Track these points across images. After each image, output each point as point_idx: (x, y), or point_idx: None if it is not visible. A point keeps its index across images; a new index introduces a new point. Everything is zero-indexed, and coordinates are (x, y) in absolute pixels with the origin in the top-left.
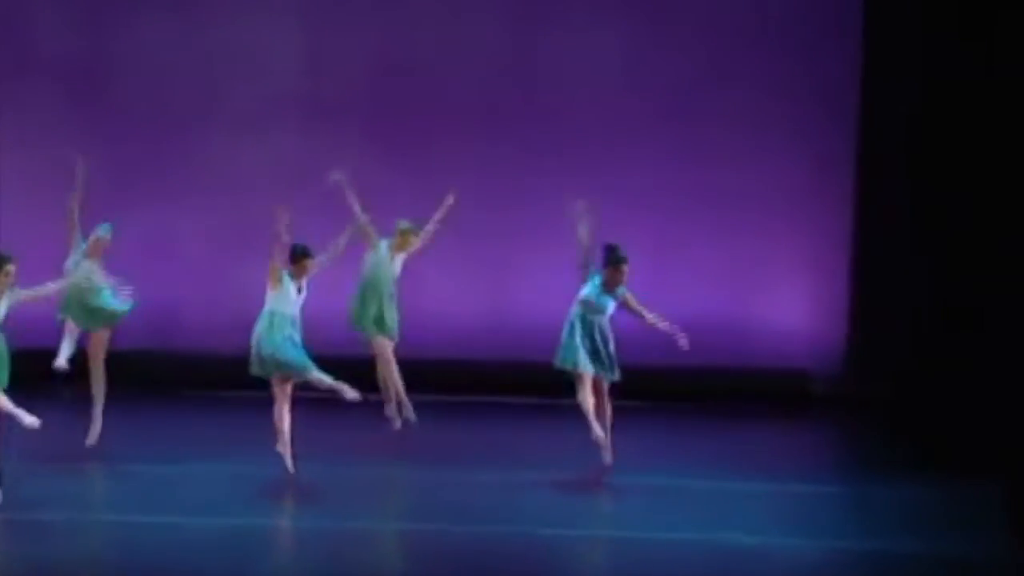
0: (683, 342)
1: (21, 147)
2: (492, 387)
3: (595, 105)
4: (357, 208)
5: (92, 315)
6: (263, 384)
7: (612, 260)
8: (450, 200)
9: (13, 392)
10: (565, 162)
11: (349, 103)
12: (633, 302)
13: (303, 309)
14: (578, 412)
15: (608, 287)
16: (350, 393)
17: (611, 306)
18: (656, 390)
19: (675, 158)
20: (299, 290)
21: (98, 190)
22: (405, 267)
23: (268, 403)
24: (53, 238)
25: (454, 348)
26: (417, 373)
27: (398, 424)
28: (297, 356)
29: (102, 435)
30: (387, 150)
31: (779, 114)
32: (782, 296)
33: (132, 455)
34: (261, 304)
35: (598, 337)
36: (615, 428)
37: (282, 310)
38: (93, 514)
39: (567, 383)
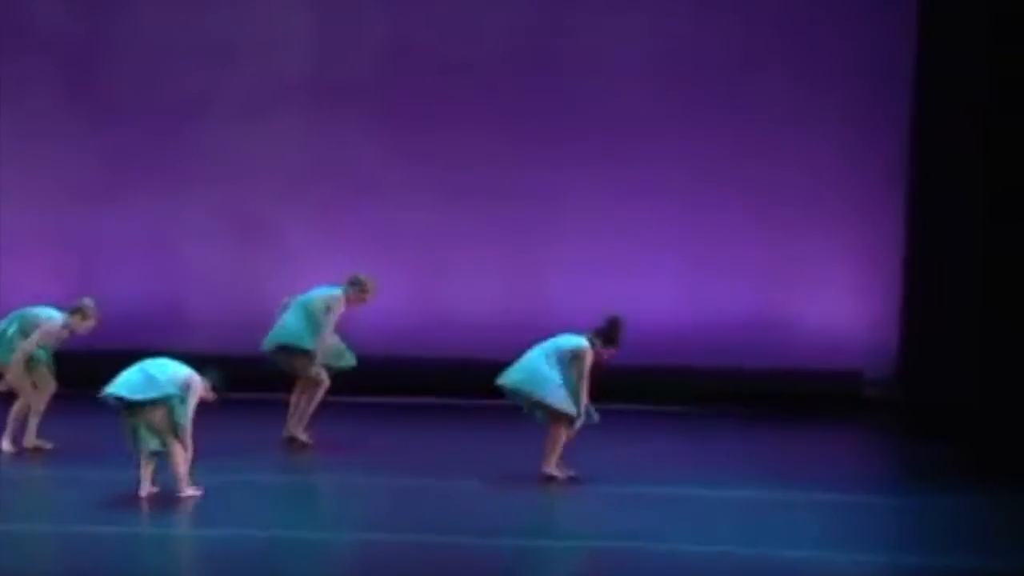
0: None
1: (16, 133)
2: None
3: (623, 92)
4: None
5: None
6: (273, 386)
7: (609, 338)
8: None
9: None
10: (590, 153)
11: (358, 89)
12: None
13: None
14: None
15: None
16: None
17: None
18: (695, 393)
19: (714, 148)
20: None
21: (95, 181)
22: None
23: (278, 406)
24: (48, 225)
25: (476, 347)
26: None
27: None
28: None
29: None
30: (398, 139)
31: (826, 101)
32: (830, 294)
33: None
34: (268, 301)
35: None
36: (641, 434)
37: None
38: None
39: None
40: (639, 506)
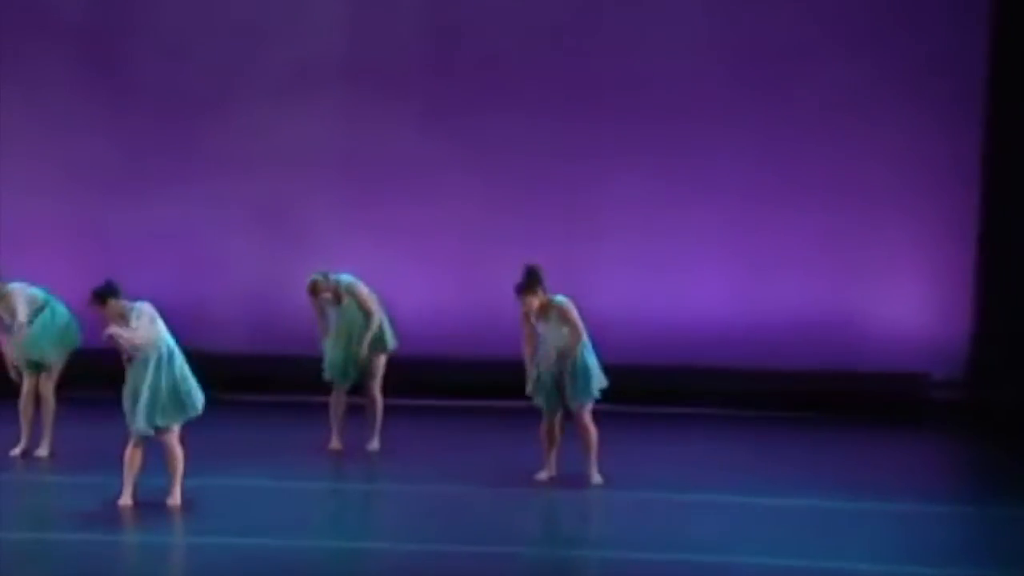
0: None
1: (32, 120)
2: None
3: (674, 77)
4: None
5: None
6: (295, 387)
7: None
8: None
9: None
10: (637, 141)
11: (394, 71)
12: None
13: None
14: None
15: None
16: None
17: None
18: (748, 396)
19: (769, 138)
20: None
21: (116, 169)
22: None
23: (298, 408)
24: (67, 216)
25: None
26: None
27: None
28: None
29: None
30: (436, 125)
31: (893, 90)
32: (893, 290)
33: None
34: (293, 299)
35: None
36: (688, 441)
37: None
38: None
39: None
40: (696, 516)
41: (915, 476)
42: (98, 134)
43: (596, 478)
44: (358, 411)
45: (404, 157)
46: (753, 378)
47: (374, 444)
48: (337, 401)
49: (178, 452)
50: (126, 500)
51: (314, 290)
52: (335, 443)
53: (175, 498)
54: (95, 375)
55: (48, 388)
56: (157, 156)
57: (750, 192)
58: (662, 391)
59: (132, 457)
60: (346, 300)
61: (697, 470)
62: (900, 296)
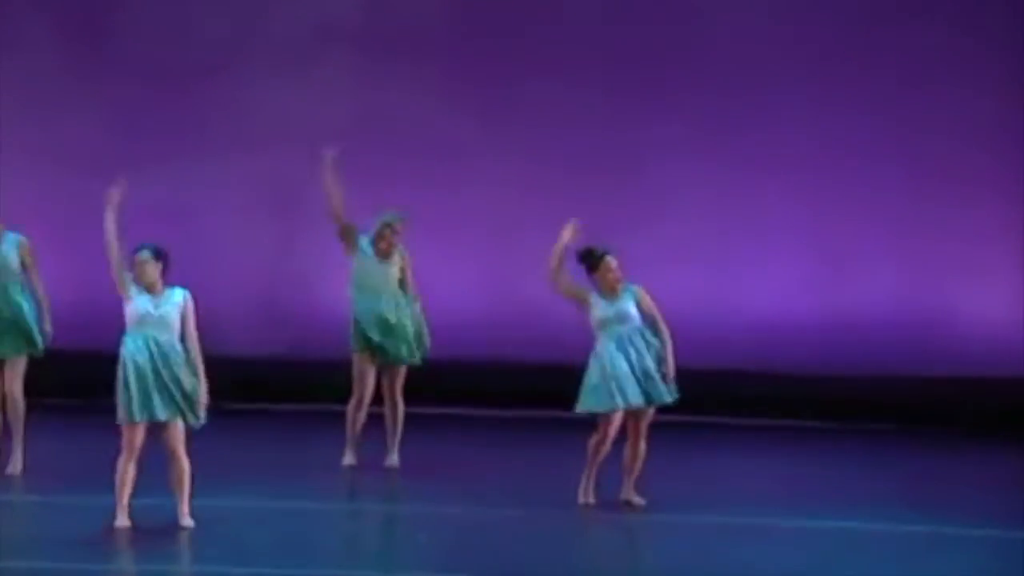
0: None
1: (12, 94)
2: None
3: (736, 41)
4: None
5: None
6: (307, 395)
7: (591, 263)
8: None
9: None
10: (694, 115)
11: (417, 36)
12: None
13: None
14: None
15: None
16: None
17: (630, 309)
18: (819, 404)
19: (845, 113)
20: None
21: (104, 147)
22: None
23: (310, 418)
24: (49, 199)
25: (553, 349)
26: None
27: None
28: None
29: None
30: (464, 96)
31: (989, 59)
32: (991, 287)
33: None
34: (304, 294)
35: (633, 355)
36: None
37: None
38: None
39: None
40: (766, 541)
41: (1011, 496)
42: (84, 109)
43: (639, 499)
44: (375, 421)
45: (426, 133)
46: (822, 384)
47: (393, 459)
48: (360, 402)
49: (187, 464)
50: (123, 521)
51: (393, 231)
52: (349, 458)
53: (187, 517)
54: (62, 380)
55: (16, 386)
56: (149, 133)
57: (823, 173)
58: (717, 399)
59: (125, 471)
60: (396, 262)
61: (759, 491)
62: (993, 291)
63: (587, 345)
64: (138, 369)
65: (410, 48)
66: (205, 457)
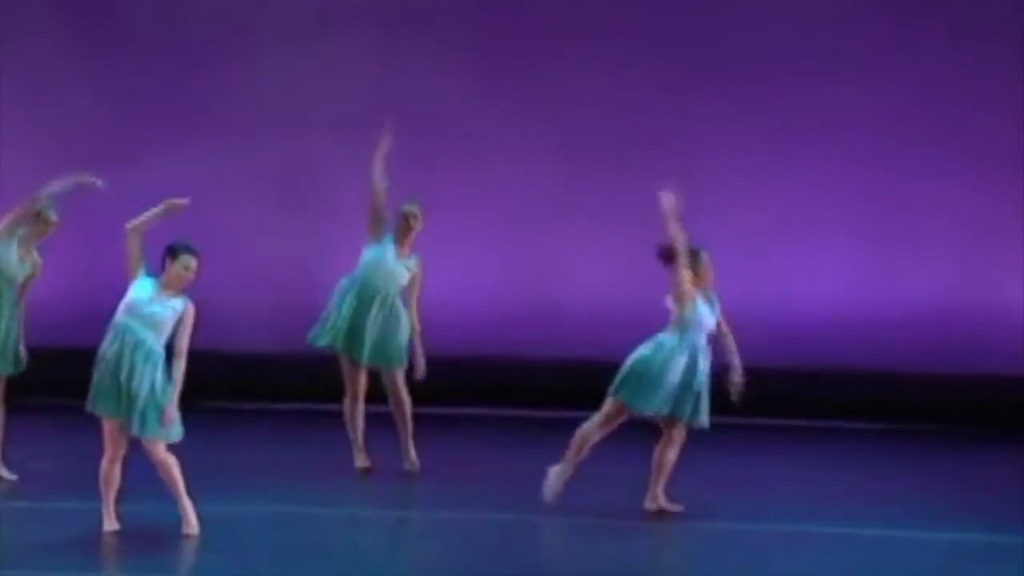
0: (735, 393)
1: (8, 77)
2: None
3: (785, 15)
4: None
5: None
6: (319, 394)
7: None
8: None
9: None
10: (741, 98)
11: (438, 10)
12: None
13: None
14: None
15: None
16: None
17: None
18: (872, 405)
19: (903, 90)
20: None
21: (104, 131)
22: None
23: (322, 418)
24: (39, 175)
25: (585, 346)
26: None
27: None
28: None
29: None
30: (488, 75)
31: None
32: None
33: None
34: (317, 285)
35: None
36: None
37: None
38: None
39: None
40: (805, 548)
41: None
42: (83, 87)
43: (674, 506)
44: (378, 421)
45: (450, 115)
46: (875, 383)
47: (412, 459)
48: (353, 400)
49: (169, 461)
50: (110, 525)
51: (416, 219)
52: (360, 460)
53: (188, 524)
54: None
55: None
56: (152, 113)
57: (877, 158)
58: (762, 399)
59: (107, 472)
60: (411, 267)
61: (803, 495)
62: None
63: (609, 341)
64: (102, 359)
65: (431, 25)
66: (210, 459)
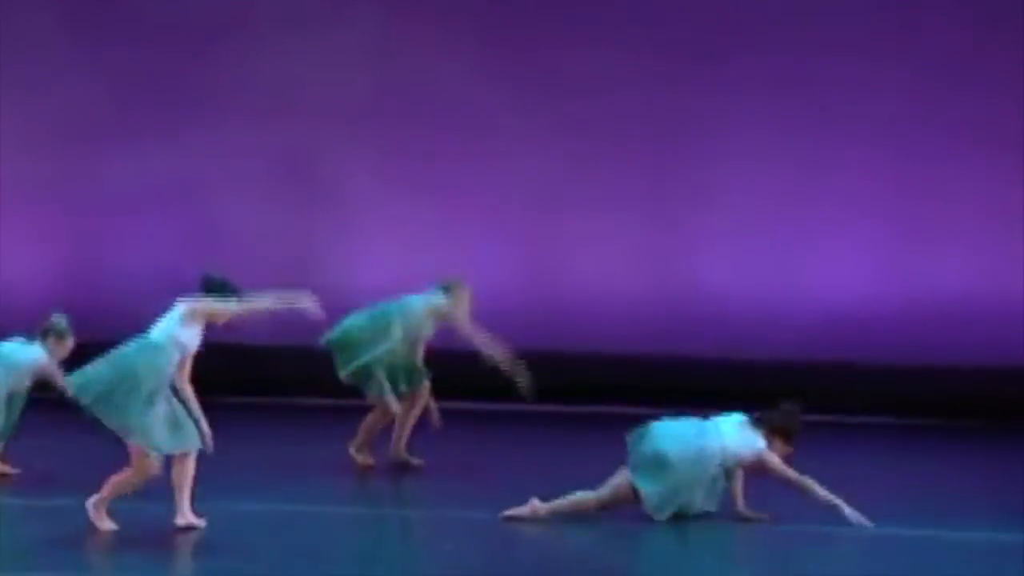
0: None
1: (3, 59)
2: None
3: (797, 3)
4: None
5: None
6: (324, 389)
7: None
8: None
9: None
10: (758, 83)
11: None
12: None
13: None
14: None
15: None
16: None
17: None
18: (901, 400)
19: (921, 80)
20: None
21: (101, 117)
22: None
23: (328, 413)
24: (42, 174)
25: (602, 341)
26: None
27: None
28: None
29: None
30: (498, 61)
31: None
32: None
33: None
34: (322, 277)
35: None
36: (832, 454)
37: None
38: None
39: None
40: (837, 548)
41: None
42: (82, 74)
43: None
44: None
45: (457, 101)
46: (904, 377)
47: (402, 454)
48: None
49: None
50: (104, 524)
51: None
52: (365, 457)
53: (181, 516)
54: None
55: None
56: (152, 100)
57: (900, 145)
58: (785, 392)
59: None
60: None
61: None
62: None
63: (629, 334)
64: None
65: (439, 8)
66: (214, 456)
